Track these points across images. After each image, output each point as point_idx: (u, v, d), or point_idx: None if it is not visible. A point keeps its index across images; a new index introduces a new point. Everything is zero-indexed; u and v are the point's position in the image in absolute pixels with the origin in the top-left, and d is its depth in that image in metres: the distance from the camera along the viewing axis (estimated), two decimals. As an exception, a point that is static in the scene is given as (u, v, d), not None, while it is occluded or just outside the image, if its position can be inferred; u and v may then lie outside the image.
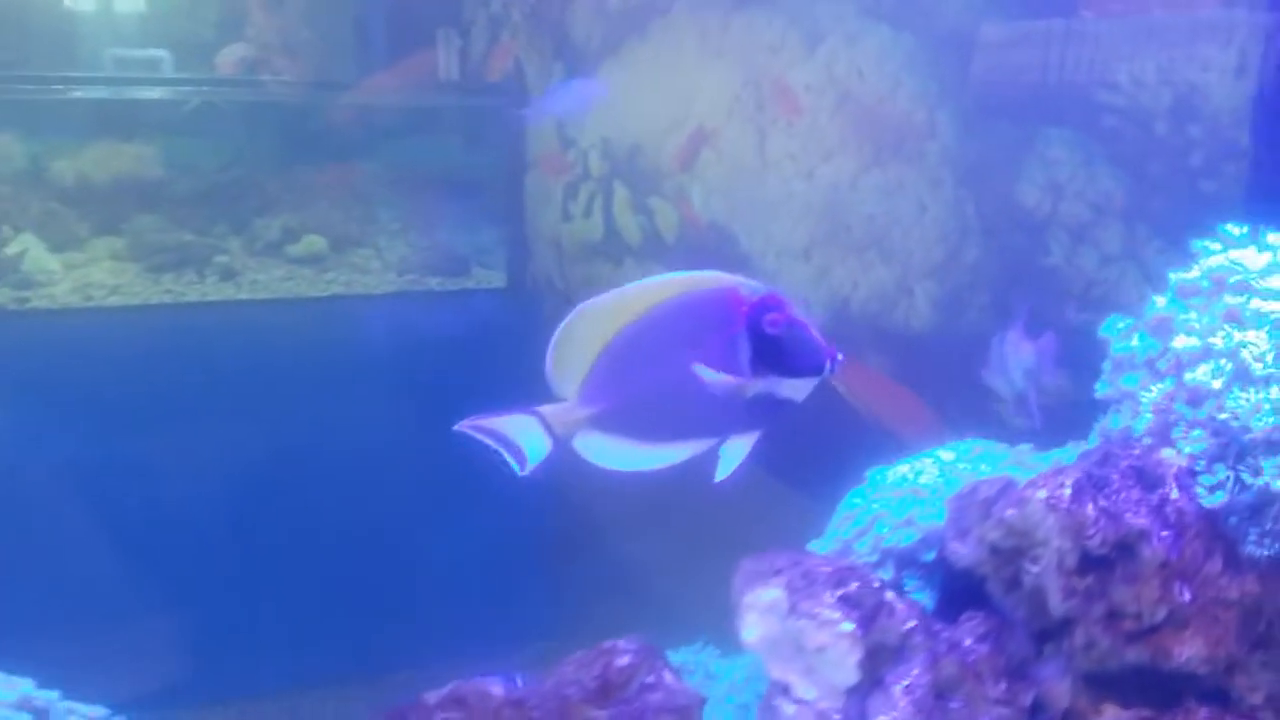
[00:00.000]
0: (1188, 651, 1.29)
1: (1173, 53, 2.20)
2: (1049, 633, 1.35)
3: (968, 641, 1.35)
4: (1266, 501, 1.30)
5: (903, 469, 1.58)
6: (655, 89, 3.63)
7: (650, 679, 1.28)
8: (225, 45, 2.78)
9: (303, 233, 2.62)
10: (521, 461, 1.24)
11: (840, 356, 1.25)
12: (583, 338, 1.27)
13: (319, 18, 3.39)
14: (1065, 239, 2.49)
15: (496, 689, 1.23)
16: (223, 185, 2.67)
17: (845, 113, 2.89)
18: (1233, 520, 1.32)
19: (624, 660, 1.28)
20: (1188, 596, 1.29)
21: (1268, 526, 1.29)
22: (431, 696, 1.23)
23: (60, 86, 2.38)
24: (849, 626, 1.28)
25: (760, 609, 1.30)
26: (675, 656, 1.70)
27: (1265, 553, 1.29)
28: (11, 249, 2.37)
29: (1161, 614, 1.29)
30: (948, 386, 2.53)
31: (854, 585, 1.33)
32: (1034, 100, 2.47)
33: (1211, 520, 1.33)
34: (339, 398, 2.23)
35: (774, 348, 1.24)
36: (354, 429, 2.23)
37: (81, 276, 2.38)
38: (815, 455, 2.68)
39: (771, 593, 1.31)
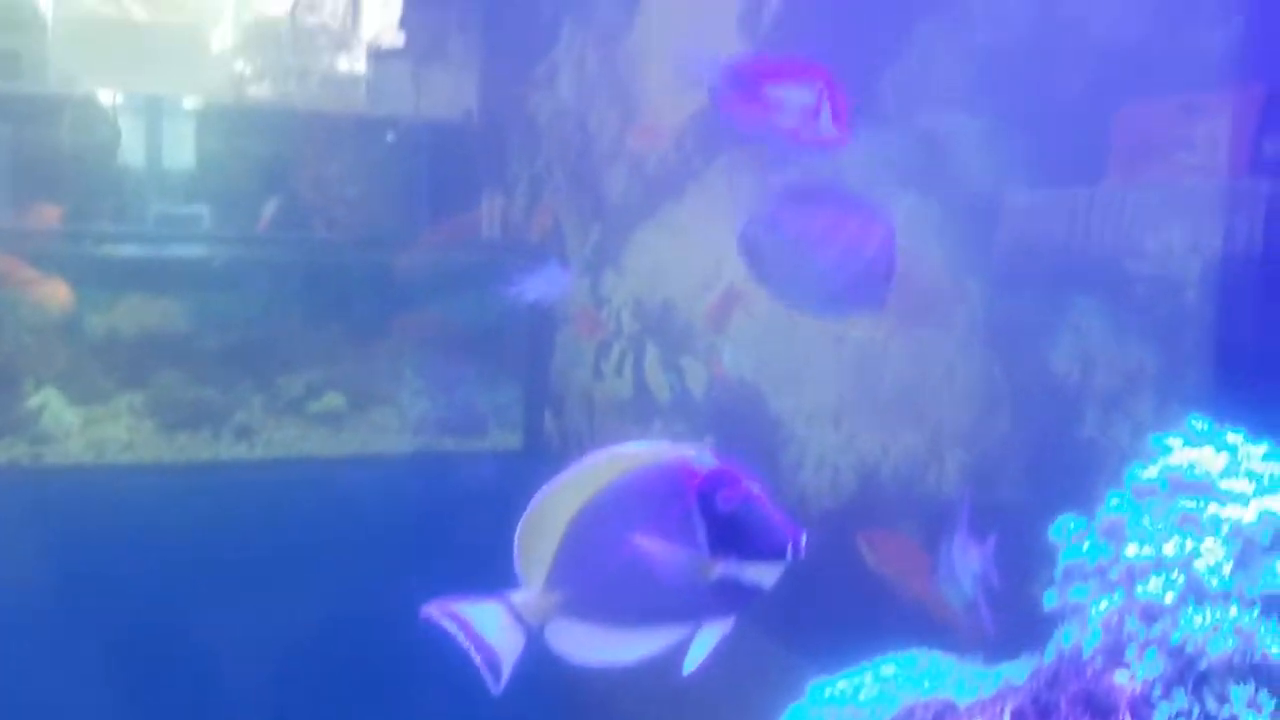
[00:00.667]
0: None
1: (1199, 221, 2.17)
2: None
3: None
4: None
5: (843, 684, 1.49)
6: (689, 249, 3.66)
7: None
8: (266, 201, 2.86)
9: (325, 389, 2.63)
10: (495, 668, 1.17)
11: (804, 538, 1.17)
12: (546, 522, 1.21)
13: (365, 176, 3.49)
14: (1098, 409, 2.41)
15: None
16: (250, 341, 2.69)
17: (874, 276, 2.87)
18: None
19: None
20: None
21: None
22: None
23: (100, 242, 2.44)
24: None
25: None
26: None
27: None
28: (33, 402, 2.39)
29: None
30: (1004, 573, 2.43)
31: None
32: (1063, 268, 2.44)
33: None
34: (337, 565, 2.18)
35: (729, 527, 1.17)
36: (350, 598, 2.17)
37: (98, 432, 2.39)
38: (857, 639, 2.58)
39: None
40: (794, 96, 1.55)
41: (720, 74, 1.56)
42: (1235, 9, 2.01)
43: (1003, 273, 2.59)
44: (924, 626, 2.19)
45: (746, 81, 1.54)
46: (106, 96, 2.89)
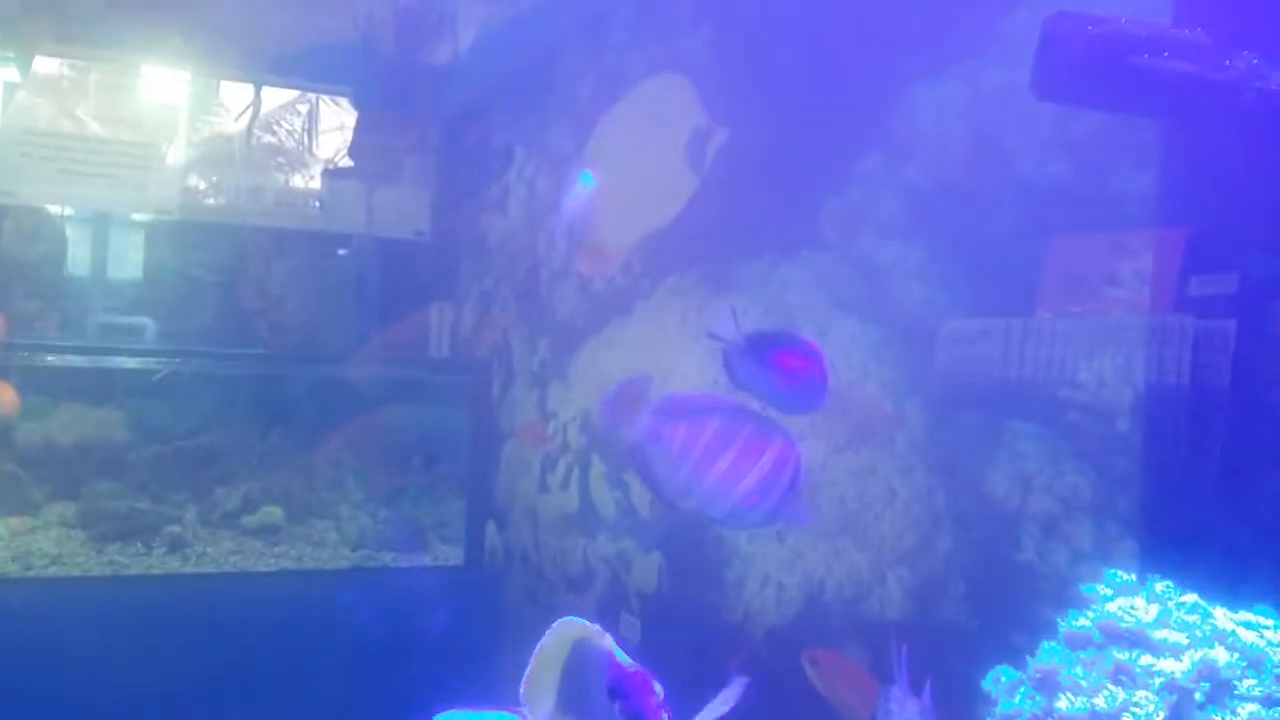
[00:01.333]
0: None
1: (1130, 353, 2.24)
2: None
3: None
4: None
5: None
6: (635, 367, 3.70)
7: None
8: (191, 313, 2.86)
9: (262, 503, 2.59)
10: None
11: None
12: (546, 667, 1.30)
13: (316, 290, 3.51)
14: (1037, 533, 2.44)
15: None
16: (188, 451, 2.66)
17: (817, 397, 2.91)
18: None
19: None
20: None
21: None
22: None
23: (40, 351, 2.41)
24: None
25: None
26: None
27: None
28: (-43, 514, 2.34)
29: None
30: (922, 682, 2.42)
31: None
32: (999, 394, 2.49)
33: None
34: (269, 679, 2.12)
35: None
36: (290, 710, 2.10)
37: (25, 544, 2.32)
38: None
39: None
40: (793, 366, 1.80)
41: (737, 339, 1.80)
42: (1158, 153, 2.12)
43: (941, 397, 2.64)
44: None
45: (757, 349, 1.80)
46: (56, 207, 2.90)
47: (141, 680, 2.11)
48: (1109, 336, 2.29)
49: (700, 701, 3.10)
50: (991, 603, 2.50)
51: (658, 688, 1.24)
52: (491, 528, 3.79)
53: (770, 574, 3.04)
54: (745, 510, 1.70)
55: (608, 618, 3.72)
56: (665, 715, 1.24)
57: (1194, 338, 2.05)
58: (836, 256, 2.89)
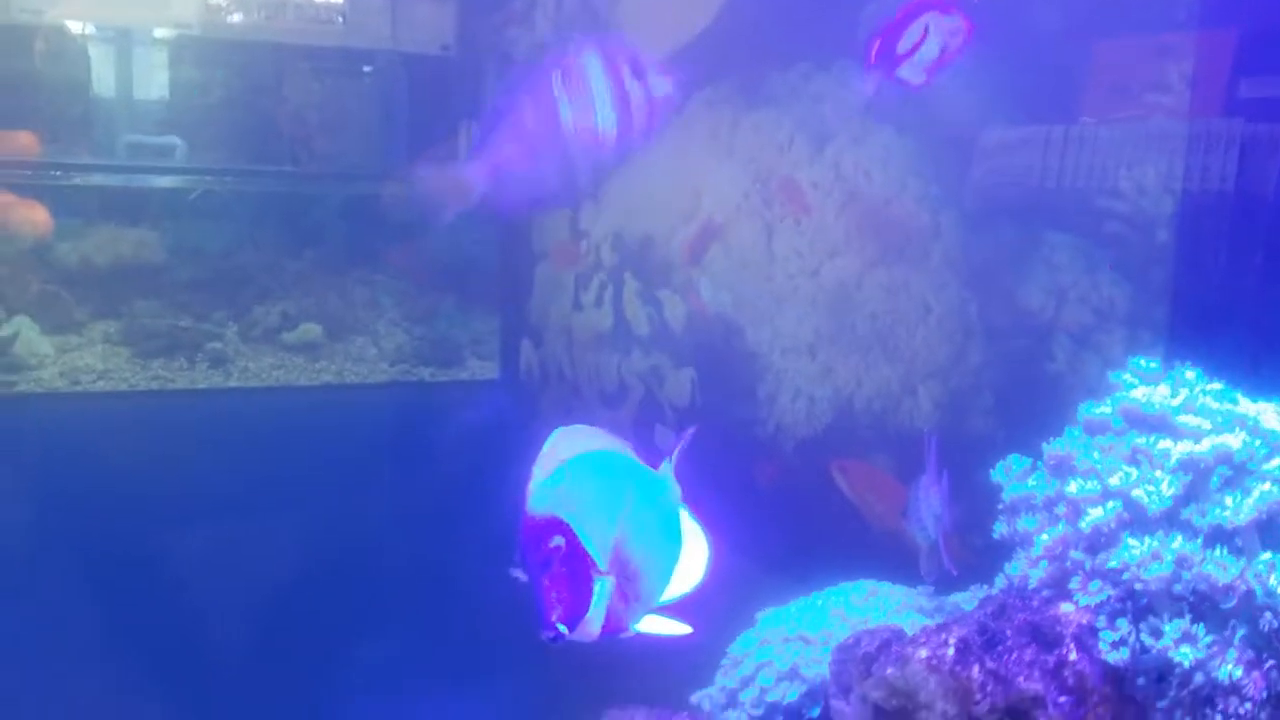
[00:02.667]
0: (1101, 825, 1.16)
1: (1173, 160, 2.18)
2: None
3: None
4: (1169, 668, 1.19)
5: (793, 610, 1.51)
6: (667, 184, 3.65)
7: None
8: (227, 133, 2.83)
9: (301, 320, 2.63)
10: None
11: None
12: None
13: (341, 107, 3.46)
14: (1068, 344, 2.44)
15: None
16: (225, 271, 2.69)
17: (851, 212, 2.89)
18: (1141, 682, 1.21)
19: None
20: None
21: (1173, 695, 1.17)
22: None
23: (71, 172, 2.41)
24: None
25: None
26: None
27: (1176, 724, 1.15)
28: (4, 331, 2.39)
29: None
30: (953, 494, 2.48)
31: None
32: (1036, 204, 2.45)
33: (1118, 683, 1.21)
34: (318, 489, 2.20)
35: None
36: (333, 521, 2.20)
37: (72, 360, 2.39)
38: (830, 565, 2.62)
39: None
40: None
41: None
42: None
43: (977, 208, 2.61)
44: (890, 556, 2.24)
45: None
46: (77, 26, 2.84)
47: (189, 489, 2.19)
48: (1152, 143, 2.23)
49: (732, 510, 3.19)
50: (1019, 414, 2.53)
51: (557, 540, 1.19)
52: (527, 345, 3.84)
53: (801, 388, 3.08)
54: None
55: (642, 430, 3.80)
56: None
57: (1242, 143, 1.99)
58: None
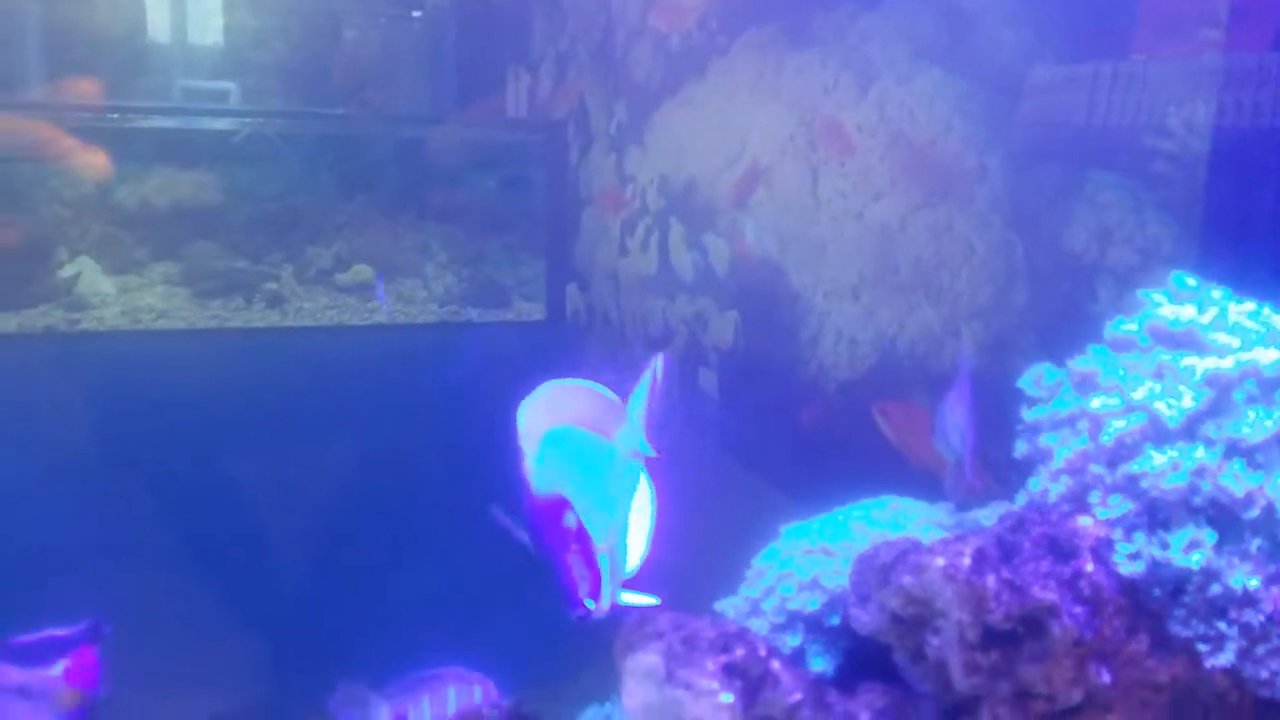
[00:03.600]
0: (1114, 737, 1.16)
1: (1224, 96, 2.15)
2: (959, 709, 1.25)
3: (864, 716, 1.26)
4: (1185, 580, 1.20)
5: (816, 525, 1.52)
6: (712, 127, 3.65)
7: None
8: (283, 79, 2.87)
9: (353, 261, 2.69)
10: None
11: None
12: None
13: (391, 52, 3.49)
14: (1113, 285, 2.43)
15: None
16: (278, 214, 2.74)
17: (896, 154, 2.88)
18: (1156, 593, 1.22)
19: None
20: (1107, 678, 1.18)
21: (1187, 602, 1.18)
22: None
23: (129, 115, 2.47)
24: (728, 698, 1.19)
25: (638, 675, 1.21)
26: (584, 714, 1.66)
27: (1188, 633, 1.18)
28: (67, 271, 2.47)
29: (1077, 696, 1.17)
30: (992, 432, 2.49)
31: (739, 652, 1.23)
32: (1083, 144, 2.43)
33: (1134, 595, 1.22)
34: (372, 425, 2.26)
35: None
36: (383, 456, 2.26)
37: (133, 300, 2.47)
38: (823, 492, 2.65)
39: (649, 658, 1.22)
40: None
41: None
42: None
43: (1023, 148, 2.59)
44: (933, 496, 2.27)
45: None
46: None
47: (247, 423, 2.26)
48: (1202, 80, 2.20)
49: (775, 451, 3.22)
50: (1061, 355, 2.53)
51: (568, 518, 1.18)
52: (573, 289, 3.88)
53: (844, 330, 3.09)
54: None
55: (687, 372, 3.84)
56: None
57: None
58: (920, 3, 2.77)
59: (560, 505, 1.19)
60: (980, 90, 2.74)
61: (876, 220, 2.92)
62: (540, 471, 1.22)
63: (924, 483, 2.37)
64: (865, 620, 1.28)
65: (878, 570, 1.26)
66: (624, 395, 1.30)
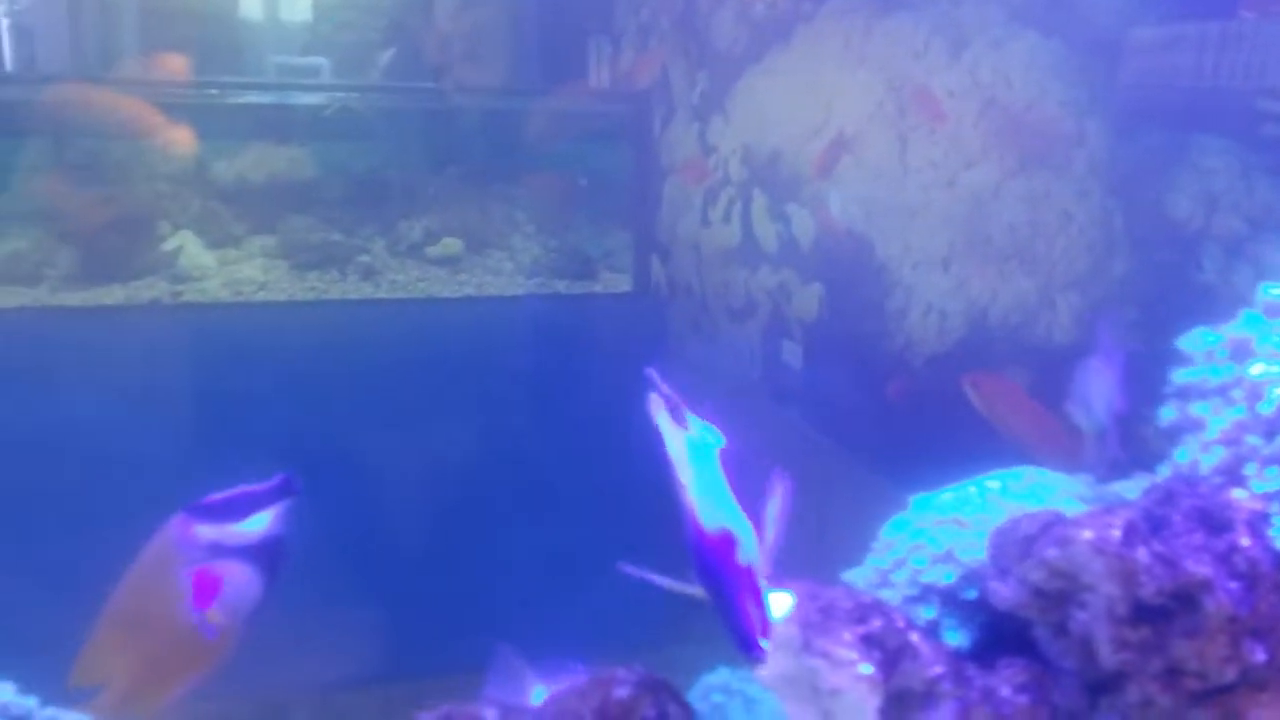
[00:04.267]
0: (1266, 717, 1.13)
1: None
2: (1103, 685, 1.21)
3: (1004, 691, 1.22)
4: None
5: (947, 496, 1.47)
6: (797, 96, 3.61)
7: (652, 713, 1.20)
8: (383, 52, 2.90)
9: (442, 235, 2.72)
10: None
11: None
12: None
13: (475, 25, 3.50)
14: (1219, 254, 2.36)
15: (491, 713, 1.19)
16: (370, 188, 2.78)
17: (989, 120, 2.81)
18: None
19: (623, 692, 1.18)
20: (1262, 656, 1.13)
21: None
22: (425, 717, 1.19)
23: (228, 91, 2.52)
24: (868, 669, 1.16)
25: (775, 643, 1.16)
26: (715, 677, 1.63)
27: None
28: (170, 244, 2.53)
29: (1231, 674, 1.13)
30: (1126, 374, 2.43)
31: (876, 623, 1.21)
32: (1188, 107, 2.36)
33: None
34: (467, 392, 2.29)
35: None
36: (478, 422, 2.28)
37: (233, 273, 2.52)
38: (952, 479, 2.61)
39: (786, 628, 1.20)
40: None
41: None
42: None
43: (1124, 113, 2.52)
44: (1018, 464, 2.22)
45: None
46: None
47: (346, 389, 2.30)
48: (1319, 39, 2.11)
49: (861, 424, 3.19)
50: (1166, 326, 2.46)
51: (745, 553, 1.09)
52: (655, 261, 3.88)
53: (933, 302, 3.04)
54: None
55: (770, 345, 3.82)
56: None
57: None
58: (1016, -36, 2.71)
59: (729, 541, 1.13)
60: (1078, 53, 2.66)
61: (968, 188, 2.87)
62: (705, 505, 1.16)
63: (1016, 456, 2.33)
64: (1005, 594, 1.24)
65: (1019, 543, 1.22)
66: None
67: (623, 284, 3.20)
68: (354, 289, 2.49)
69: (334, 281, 2.52)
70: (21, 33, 2.79)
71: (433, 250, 2.69)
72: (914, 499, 1.48)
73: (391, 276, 2.58)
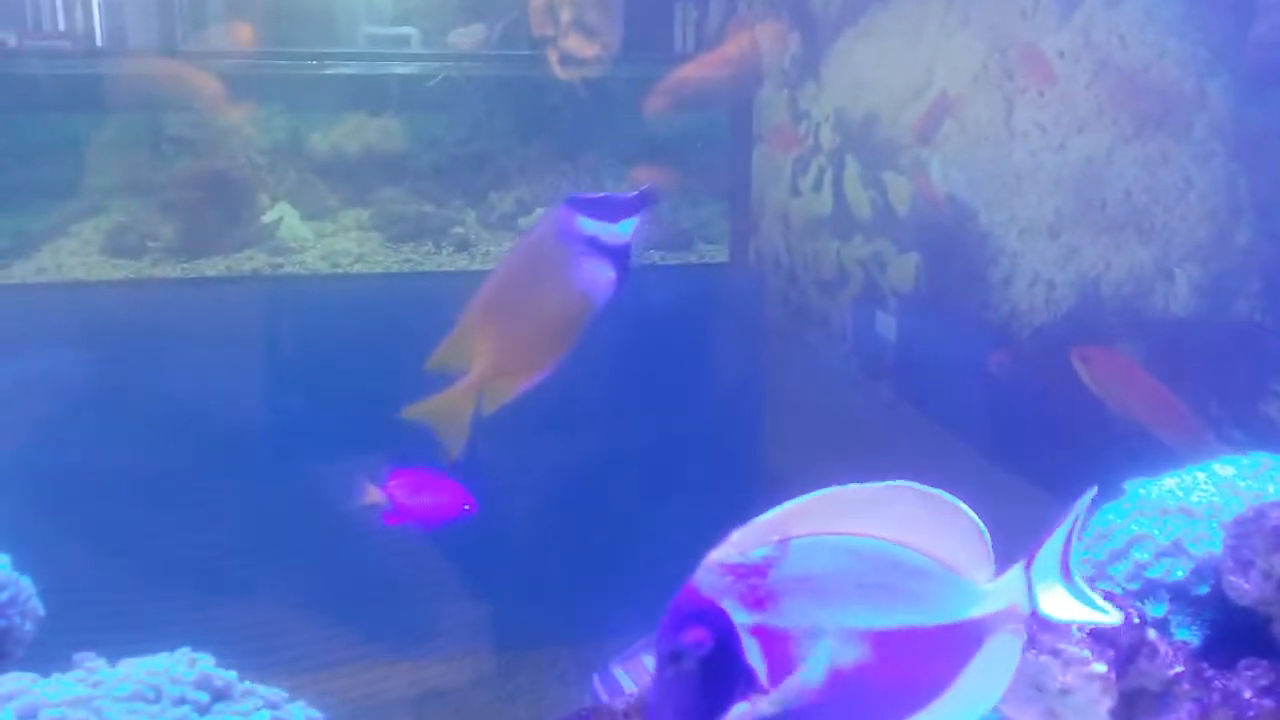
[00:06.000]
0: None
1: None
2: None
3: (1247, 694, 1.13)
4: None
5: (1169, 483, 1.36)
6: (895, 57, 3.50)
7: None
8: (465, 24, 2.86)
9: (534, 205, 2.69)
10: None
11: None
12: None
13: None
14: (1357, 221, 2.22)
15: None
16: (461, 159, 2.76)
17: (1103, 81, 2.69)
18: None
19: None
20: None
21: None
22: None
23: (318, 62, 2.51)
24: (1101, 668, 1.09)
25: None
26: None
27: None
28: (269, 217, 2.54)
29: None
30: (1211, 384, 2.32)
31: None
32: (1327, 63, 2.21)
33: None
34: (569, 363, 2.25)
35: None
36: (572, 395, 2.25)
37: (330, 245, 2.52)
38: (1069, 459, 2.52)
39: None
40: None
41: None
42: None
43: (1253, 71, 2.38)
44: (1140, 449, 2.13)
45: None
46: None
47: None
48: None
49: (962, 399, 3.10)
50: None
51: None
52: (747, 231, 3.81)
53: (1040, 271, 2.94)
54: None
55: (862, 317, 3.73)
56: None
57: None
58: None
59: None
60: (1200, 10, 2.52)
61: (1080, 153, 2.75)
62: None
63: (1127, 435, 2.23)
64: (1246, 588, 1.15)
65: (1267, 534, 1.14)
66: None
67: (718, 255, 3.14)
68: (448, 261, 2.48)
69: (428, 253, 2.51)
70: (111, 7, 2.81)
71: (525, 221, 2.67)
72: (1129, 486, 1.38)
73: (485, 248, 2.56)
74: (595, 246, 1.37)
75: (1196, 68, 2.49)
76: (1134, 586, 1.27)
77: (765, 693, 0.87)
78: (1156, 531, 1.28)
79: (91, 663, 1.14)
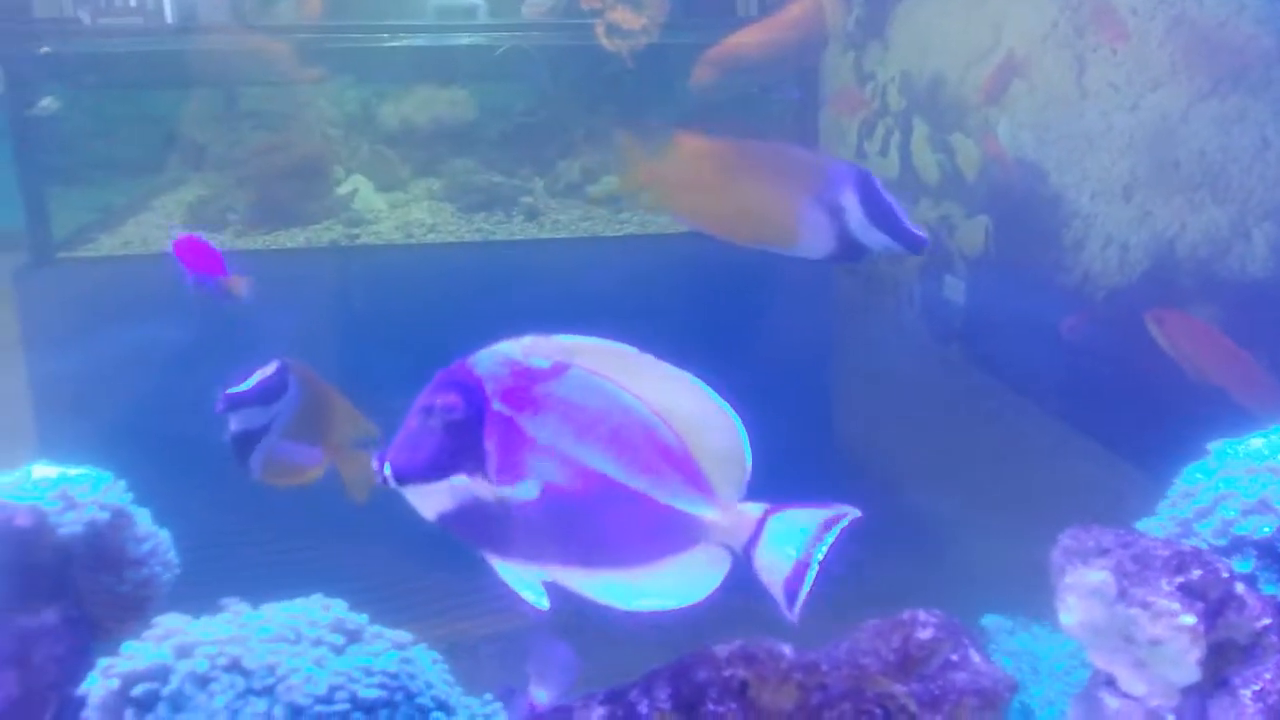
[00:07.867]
0: None
1: None
2: None
3: None
4: None
5: (1256, 443, 1.37)
6: (962, 18, 3.45)
7: (955, 656, 1.17)
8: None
9: (600, 174, 2.70)
10: None
11: None
12: None
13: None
14: None
15: (788, 649, 1.18)
16: (528, 128, 2.78)
17: (1178, 38, 2.64)
18: None
19: (926, 634, 1.14)
20: None
21: None
22: (722, 650, 1.19)
23: (388, 35, 2.54)
24: (1190, 620, 1.10)
25: (1083, 592, 1.13)
26: (988, 619, 1.59)
27: None
28: (344, 188, 2.58)
29: None
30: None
31: (1196, 573, 1.12)
32: None
33: None
34: (634, 329, 2.28)
35: None
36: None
37: (404, 215, 2.56)
38: (1144, 422, 2.49)
39: (1097, 574, 1.12)
40: None
41: None
42: None
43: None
44: (1219, 411, 2.10)
45: None
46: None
47: (519, 321, 2.33)
48: None
49: (1033, 361, 3.06)
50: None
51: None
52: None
53: (1113, 234, 2.90)
54: None
55: (930, 281, 3.71)
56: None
57: None
58: None
59: None
60: (1282, -38, 2.46)
61: (1154, 112, 2.70)
62: None
63: (1201, 397, 2.20)
64: None
65: None
66: None
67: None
68: (519, 230, 2.50)
69: (500, 223, 2.53)
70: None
71: (593, 190, 2.68)
72: (1214, 445, 1.39)
73: (554, 217, 2.58)
74: (833, 187, 1.38)
75: (1275, 23, 2.43)
76: (1221, 543, 1.28)
77: (487, 479, 0.94)
78: (1243, 489, 1.29)
79: (237, 606, 1.23)
